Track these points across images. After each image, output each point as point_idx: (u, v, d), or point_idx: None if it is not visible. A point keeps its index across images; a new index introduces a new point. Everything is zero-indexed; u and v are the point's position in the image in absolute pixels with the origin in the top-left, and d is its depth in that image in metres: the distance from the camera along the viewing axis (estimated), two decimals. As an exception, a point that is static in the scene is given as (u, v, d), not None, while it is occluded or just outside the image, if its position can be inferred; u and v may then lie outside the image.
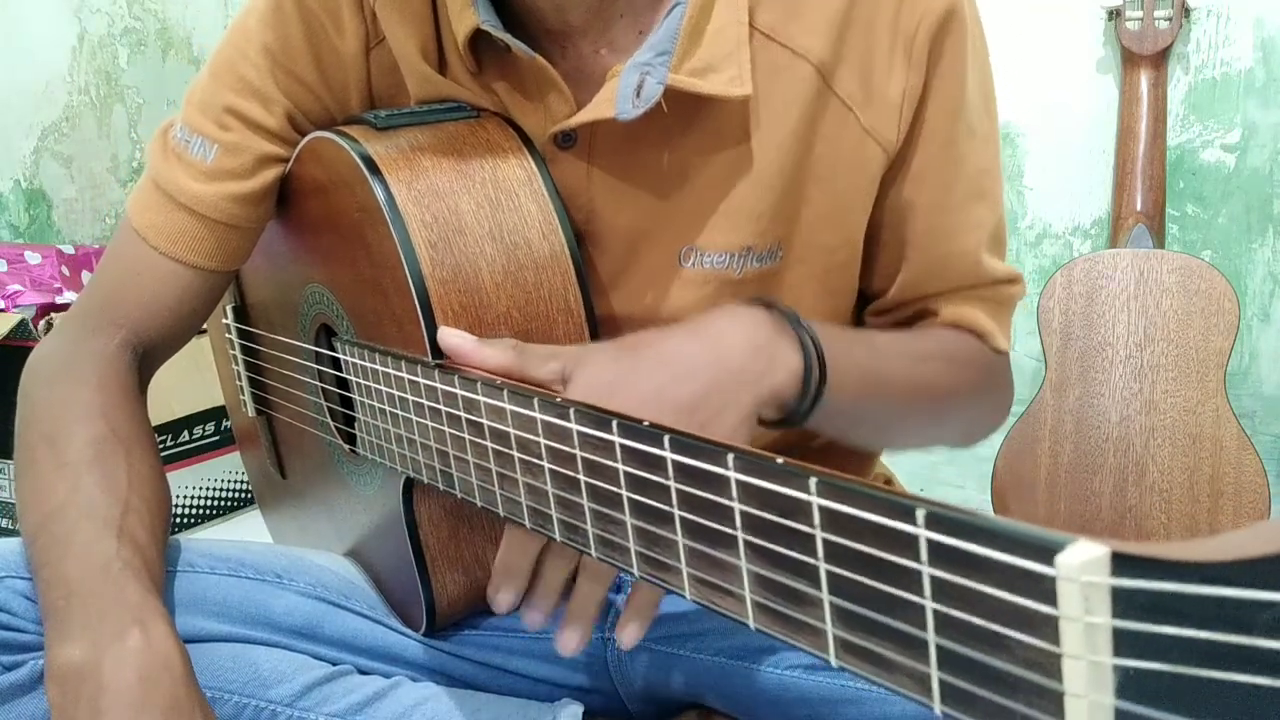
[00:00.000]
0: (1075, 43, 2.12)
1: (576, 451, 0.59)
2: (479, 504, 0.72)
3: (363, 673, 0.90)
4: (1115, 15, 2.04)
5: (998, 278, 0.94)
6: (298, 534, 1.13)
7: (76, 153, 2.89)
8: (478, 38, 0.85)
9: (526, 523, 0.67)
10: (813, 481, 0.41)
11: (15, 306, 2.32)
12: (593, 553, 0.61)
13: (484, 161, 0.83)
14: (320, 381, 0.96)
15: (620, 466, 0.55)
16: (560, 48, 0.86)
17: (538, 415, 0.62)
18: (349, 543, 0.98)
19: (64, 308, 2.27)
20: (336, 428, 0.97)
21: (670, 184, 0.86)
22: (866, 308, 0.97)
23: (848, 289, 0.92)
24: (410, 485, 0.84)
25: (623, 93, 0.80)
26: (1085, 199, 2.16)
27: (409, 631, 0.92)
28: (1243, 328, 2.00)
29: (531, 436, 0.63)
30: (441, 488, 0.77)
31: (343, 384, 0.94)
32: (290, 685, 0.84)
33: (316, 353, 0.96)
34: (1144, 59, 2.02)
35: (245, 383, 1.14)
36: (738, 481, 0.46)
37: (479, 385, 0.67)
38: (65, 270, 2.47)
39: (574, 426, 0.59)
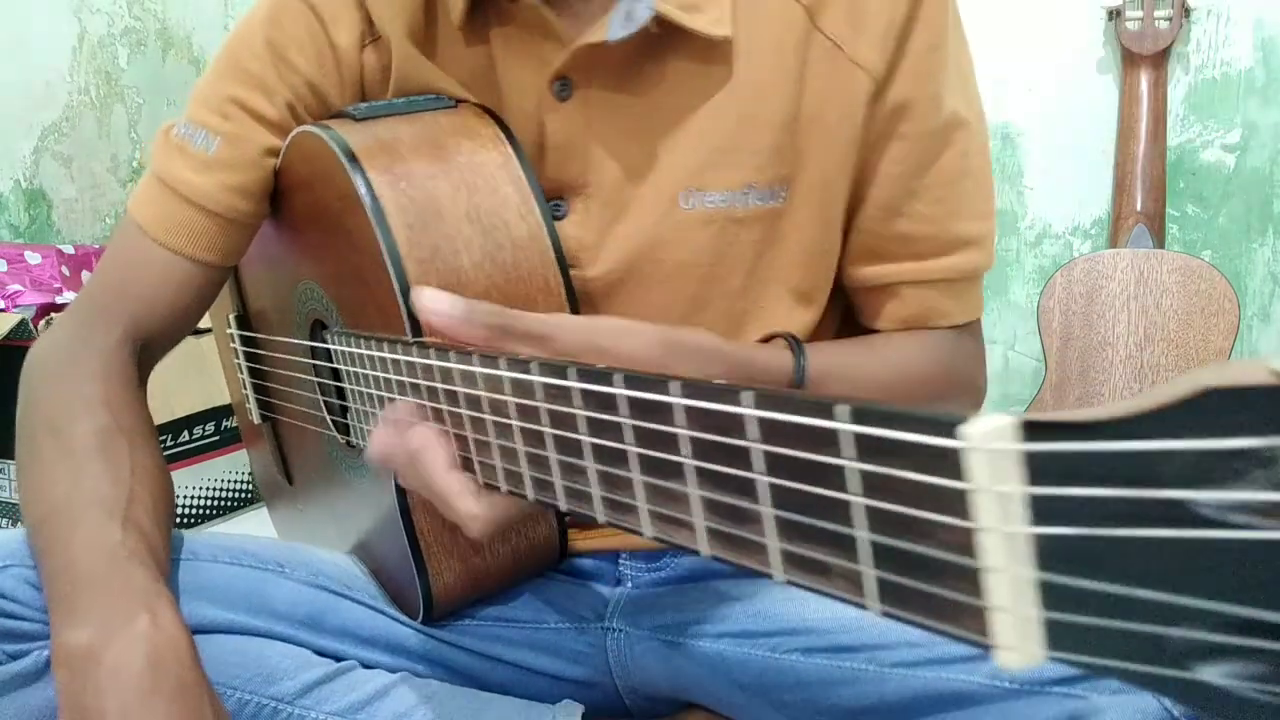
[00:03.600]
0: (1075, 43, 2.12)
1: (540, 404, 0.59)
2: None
3: (365, 665, 0.89)
4: (1115, 15, 2.04)
5: (954, 239, 0.95)
6: (305, 537, 1.14)
7: (76, 153, 2.90)
8: None
9: (502, 486, 0.67)
10: (747, 395, 0.41)
11: (15, 306, 2.33)
12: (562, 505, 0.61)
13: (461, 147, 0.85)
14: (316, 377, 0.97)
15: (579, 412, 0.55)
16: (569, 12, 0.88)
17: (504, 374, 0.62)
18: (351, 540, 0.98)
19: (64, 308, 2.27)
20: (333, 421, 0.97)
21: (666, 128, 0.88)
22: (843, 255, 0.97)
23: (839, 222, 0.93)
24: None
25: (615, 18, 0.83)
26: (1085, 199, 2.16)
27: (410, 621, 0.92)
28: (1243, 328, 1.99)
29: (500, 396, 0.63)
30: None
31: (337, 377, 0.94)
32: (293, 682, 0.84)
33: (312, 348, 0.96)
34: (1144, 59, 2.02)
35: (250, 389, 1.15)
36: (683, 407, 0.46)
37: (451, 354, 0.67)
38: (65, 270, 2.47)
39: (536, 379, 0.59)
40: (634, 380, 0.50)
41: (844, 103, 0.88)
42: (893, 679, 0.81)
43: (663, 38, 0.84)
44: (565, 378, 0.56)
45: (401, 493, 0.85)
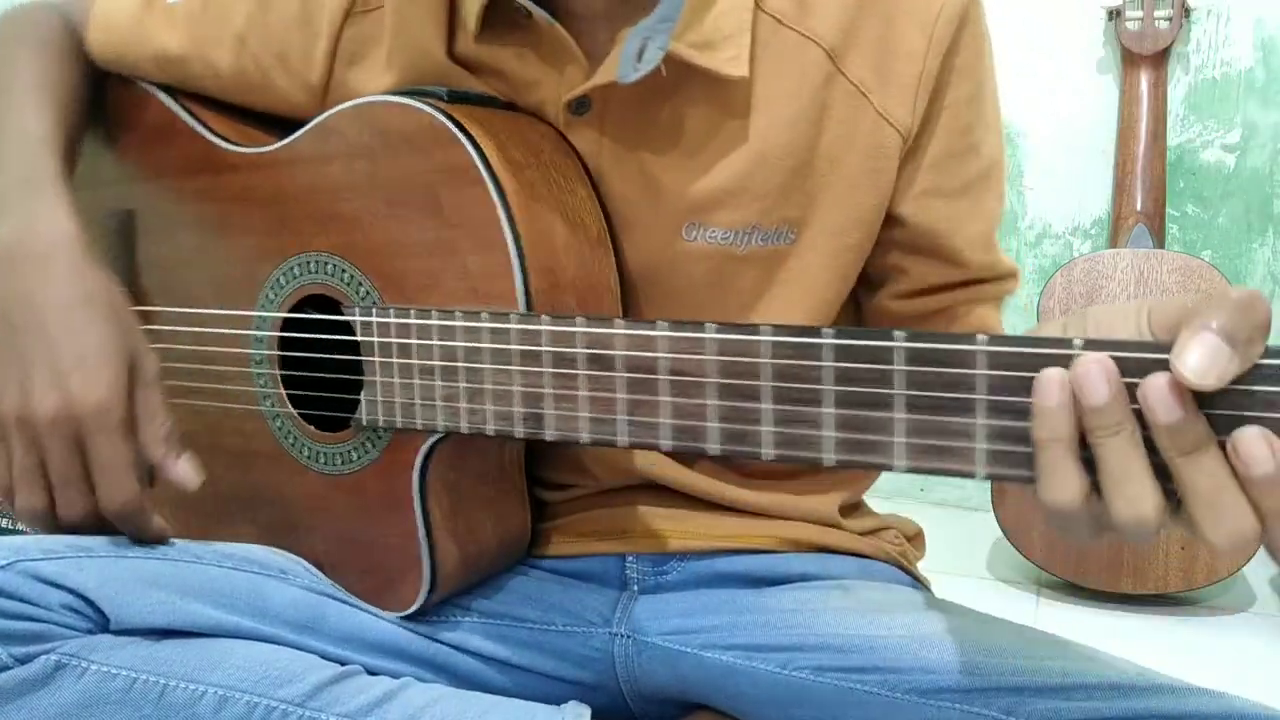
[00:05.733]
0: (1075, 43, 2.12)
1: (764, 360, 0.68)
2: (585, 439, 0.76)
3: (370, 672, 0.89)
4: (1115, 15, 2.05)
5: (1001, 272, 0.97)
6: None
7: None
8: (491, 8, 0.87)
9: (664, 444, 0.73)
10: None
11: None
12: (770, 454, 0.68)
13: (543, 146, 0.87)
14: (278, 353, 0.93)
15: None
16: (579, 30, 0.88)
17: (712, 336, 0.69)
18: (291, 532, 0.95)
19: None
20: (294, 406, 0.94)
21: (677, 160, 0.88)
22: (884, 291, 0.99)
23: (855, 270, 0.94)
24: (431, 452, 0.85)
25: (625, 56, 0.83)
26: (1085, 199, 2.16)
27: (413, 626, 0.91)
28: (1243, 327, 2.00)
29: (698, 357, 0.70)
30: (520, 433, 0.79)
31: (290, 359, 0.93)
32: (301, 685, 0.83)
33: (297, 323, 0.94)
34: (1144, 59, 2.02)
35: None
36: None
37: (617, 320, 0.73)
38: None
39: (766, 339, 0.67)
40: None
41: (868, 153, 0.88)
42: (905, 706, 0.80)
43: (679, 74, 0.84)
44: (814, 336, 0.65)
45: (424, 475, 0.86)
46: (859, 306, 1.00)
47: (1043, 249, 2.20)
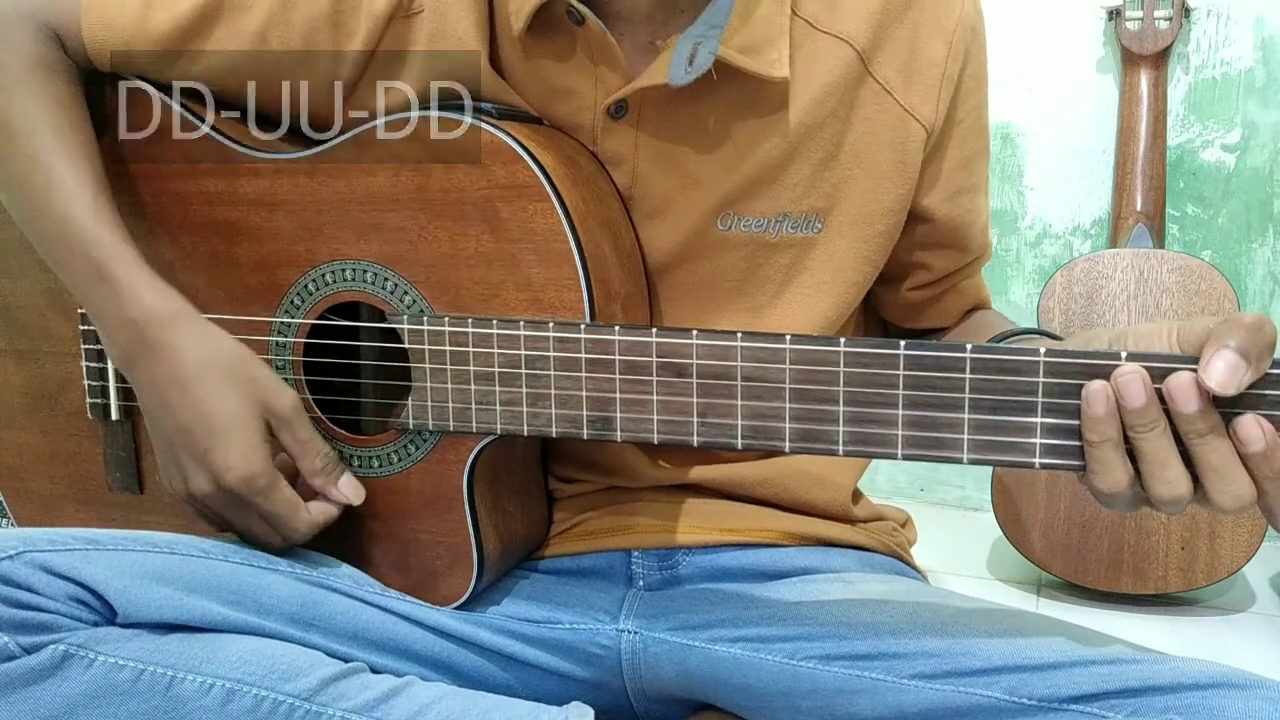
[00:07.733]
0: (1075, 43, 2.12)
1: (839, 369, 0.74)
2: (656, 440, 0.81)
3: (373, 670, 0.89)
4: (1115, 15, 2.05)
5: (988, 249, 1.07)
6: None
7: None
8: (541, 11, 0.89)
9: (740, 443, 0.78)
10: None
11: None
12: (840, 451, 0.76)
13: (580, 162, 0.90)
14: (303, 359, 0.94)
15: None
16: (617, 34, 0.90)
17: (790, 346, 0.75)
18: (329, 536, 0.96)
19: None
20: (328, 414, 0.95)
21: (711, 153, 0.92)
22: (904, 285, 1.05)
23: (884, 255, 0.98)
24: (480, 452, 0.89)
25: (676, 60, 0.87)
26: (1085, 199, 2.17)
27: (424, 619, 0.91)
28: (1243, 327, 2.00)
29: (777, 365, 0.75)
30: (587, 435, 0.83)
31: (314, 365, 0.93)
32: (307, 680, 0.83)
33: (327, 330, 0.94)
34: (1144, 59, 2.02)
35: (114, 379, 1.05)
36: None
37: (694, 332, 0.78)
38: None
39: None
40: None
41: (893, 147, 0.93)
42: (910, 691, 0.81)
43: (719, 75, 0.87)
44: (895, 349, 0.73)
45: (473, 469, 0.88)
46: (873, 297, 1.06)
47: (1043, 249, 2.21)
